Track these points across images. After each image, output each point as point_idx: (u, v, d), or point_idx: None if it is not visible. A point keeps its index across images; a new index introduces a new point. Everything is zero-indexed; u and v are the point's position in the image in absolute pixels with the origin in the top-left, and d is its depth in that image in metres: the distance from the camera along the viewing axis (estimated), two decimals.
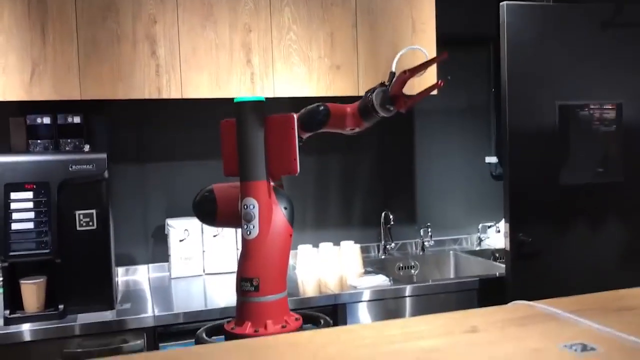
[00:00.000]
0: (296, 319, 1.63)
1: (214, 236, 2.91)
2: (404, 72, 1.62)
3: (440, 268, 3.31)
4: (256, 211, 1.58)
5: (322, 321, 1.70)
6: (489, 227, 3.40)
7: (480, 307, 2.61)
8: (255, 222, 1.58)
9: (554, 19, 2.69)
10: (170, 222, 2.88)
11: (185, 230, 2.88)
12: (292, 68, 2.66)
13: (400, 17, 2.82)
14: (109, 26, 2.41)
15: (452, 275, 3.29)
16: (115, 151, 2.71)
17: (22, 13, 2.32)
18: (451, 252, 3.34)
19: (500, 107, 2.74)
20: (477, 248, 3.40)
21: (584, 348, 1.11)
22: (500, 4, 2.61)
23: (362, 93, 2.76)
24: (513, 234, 2.59)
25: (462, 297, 2.68)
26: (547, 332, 1.23)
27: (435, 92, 2.94)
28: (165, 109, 2.81)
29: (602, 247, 2.74)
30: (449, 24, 3.12)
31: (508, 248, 2.61)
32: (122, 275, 2.87)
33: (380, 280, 2.63)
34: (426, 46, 2.87)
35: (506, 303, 1.42)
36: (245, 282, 1.59)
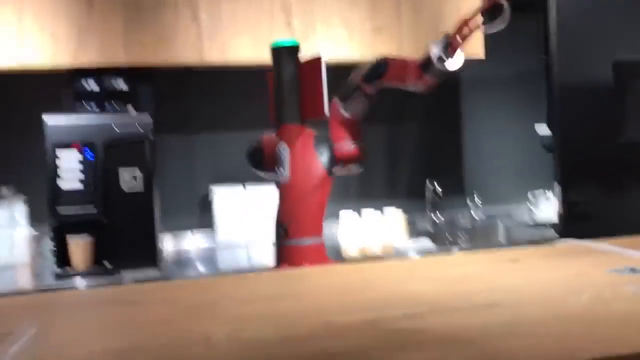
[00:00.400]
0: None
1: (257, 203, 2.92)
2: (464, 19, 1.59)
3: (489, 239, 3.22)
4: (286, 155, 1.57)
5: None
6: (540, 196, 3.28)
7: None
8: (286, 166, 1.57)
9: None
10: (214, 188, 2.90)
11: (230, 196, 2.89)
12: (332, 30, 2.63)
13: None
14: None
15: (503, 245, 3.19)
16: (161, 121, 2.74)
17: None
18: (500, 222, 3.24)
19: (551, 74, 2.64)
20: (528, 219, 3.29)
21: (633, 270, 1.05)
22: None
23: (405, 56, 2.72)
24: (565, 196, 2.48)
25: None
26: (594, 261, 1.17)
27: (482, 56, 2.89)
28: (209, 79, 2.83)
29: None
30: None
31: (560, 210, 2.50)
32: (168, 241, 2.91)
33: (426, 243, 2.58)
34: (472, 9, 2.78)
35: None
36: (278, 227, 1.59)
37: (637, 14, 2.58)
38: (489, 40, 2.89)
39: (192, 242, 2.95)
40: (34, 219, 2.57)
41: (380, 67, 1.67)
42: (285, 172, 1.58)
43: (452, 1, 2.77)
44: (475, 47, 2.82)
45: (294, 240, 1.56)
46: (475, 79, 3.23)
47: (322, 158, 1.63)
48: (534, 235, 2.95)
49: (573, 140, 2.52)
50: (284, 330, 0.78)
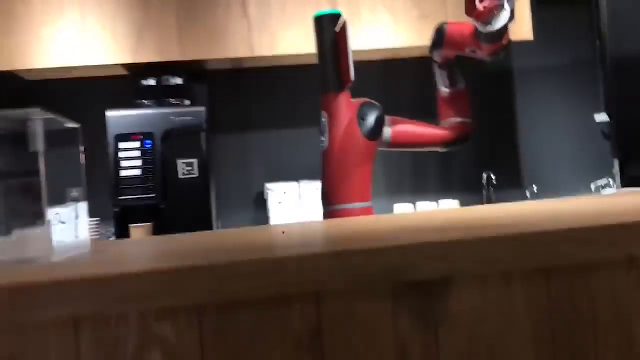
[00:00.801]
0: None
1: (310, 199, 2.95)
2: None
3: None
4: (326, 123, 1.60)
5: None
6: (602, 187, 3.15)
7: None
8: (326, 134, 1.60)
9: None
10: (269, 185, 2.96)
11: (284, 193, 2.94)
12: (378, 17, 2.68)
13: None
14: None
15: None
16: (217, 120, 2.85)
17: None
18: None
19: (605, 59, 2.58)
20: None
21: None
22: None
23: None
24: (626, 185, 2.39)
25: None
26: None
27: (530, 37, 2.85)
28: (262, 78, 2.92)
29: None
30: None
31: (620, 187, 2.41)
32: None
33: None
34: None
35: None
36: (322, 194, 1.62)
37: None
38: (539, 24, 2.87)
39: None
40: (97, 206, 2.72)
41: (439, 34, 1.69)
42: (325, 139, 1.60)
43: None
44: (523, 29, 2.80)
45: (337, 205, 1.57)
46: (528, 67, 3.19)
47: (364, 126, 1.64)
48: None
49: (631, 128, 2.44)
50: None
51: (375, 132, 1.64)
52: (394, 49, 2.65)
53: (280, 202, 2.94)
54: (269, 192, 2.96)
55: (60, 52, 2.51)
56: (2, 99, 2.63)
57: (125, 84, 2.66)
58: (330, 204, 1.61)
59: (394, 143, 1.67)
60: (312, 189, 2.94)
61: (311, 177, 2.94)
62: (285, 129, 3.04)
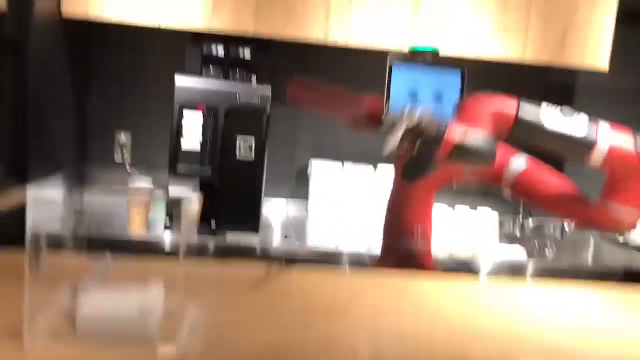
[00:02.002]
0: None
1: (354, 183, 3.00)
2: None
3: (577, 252, 3.18)
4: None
5: None
6: None
7: None
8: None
9: None
10: (314, 162, 3.00)
11: (327, 173, 2.98)
12: (460, 24, 2.62)
13: None
14: None
15: (590, 262, 3.15)
16: (274, 91, 2.83)
17: None
18: (592, 237, 3.19)
19: None
20: (622, 237, 3.21)
21: None
22: None
23: (528, 58, 2.68)
24: None
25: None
26: None
27: (606, 68, 2.80)
28: (326, 55, 2.88)
29: None
30: None
31: None
32: (265, 204, 3.04)
33: (517, 252, 2.58)
34: (603, 20, 2.70)
35: None
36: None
37: None
38: (619, 53, 2.80)
39: (285, 208, 3.09)
40: (152, 171, 2.81)
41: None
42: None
43: (584, 12, 2.69)
44: (599, 57, 2.74)
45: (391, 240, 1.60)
46: (594, 89, 3.14)
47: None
48: (627, 259, 2.90)
49: None
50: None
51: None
52: (473, 58, 2.61)
53: (322, 181, 2.99)
54: (312, 168, 3.00)
55: (134, 7, 2.47)
56: (68, 44, 2.61)
57: (193, 44, 2.63)
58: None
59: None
60: (354, 171, 2.98)
61: (356, 159, 2.99)
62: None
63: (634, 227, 1.31)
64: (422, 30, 2.61)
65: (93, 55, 2.90)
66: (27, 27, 2.22)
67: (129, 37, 2.78)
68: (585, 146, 1.32)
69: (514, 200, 1.43)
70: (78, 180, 2.88)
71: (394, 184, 1.60)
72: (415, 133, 1.26)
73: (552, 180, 1.48)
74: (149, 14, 2.48)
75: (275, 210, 3.08)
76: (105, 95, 2.94)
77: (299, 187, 3.10)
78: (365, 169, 2.98)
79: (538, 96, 1.56)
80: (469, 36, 2.63)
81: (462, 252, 2.61)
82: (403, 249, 1.65)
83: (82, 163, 2.94)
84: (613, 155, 1.31)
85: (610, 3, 2.72)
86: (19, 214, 2.36)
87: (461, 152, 1.26)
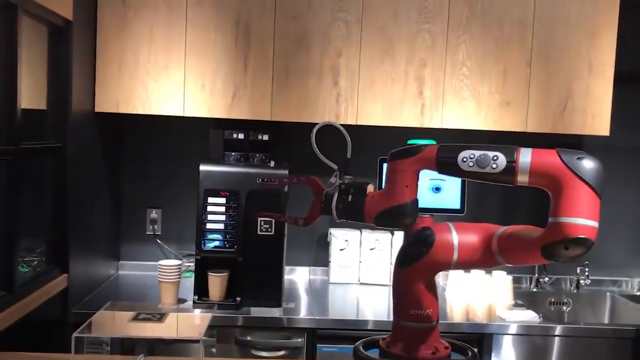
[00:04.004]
0: (445, 347, 1.77)
1: (371, 249, 3.14)
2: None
3: (594, 309, 3.24)
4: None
5: (469, 353, 1.83)
6: None
7: (634, 359, 2.55)
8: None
9: None
10: (333, 231, 3.16)
11: (346, 240, 3.13)
12: (462, 102, 2.79)
13: (577, 57, 2.82)
14: (300, 59, 2.73)
15: (606, 319, 3.20)
16: (292, 167, 3.03)
17: (230, 44, 2.71)
18: (608, 294, 3.25)
19: None
20: (638, 293, 3.27)
21: None
22: None
23: (530, 129, 2.82)
24: None
25: (615, 344, 2.63)
26: None
27: (606, 132, 2.91)
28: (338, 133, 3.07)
29: None
30: (632, 59, 3.06)
31: None
32: (286, 274, 3.20)
33: (530, 317, 2.67)
34: (602, 86, 2.84)
35: None
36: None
37: None
38: (618, 112, 2.93)
39: (306, 277, 3.24)
40: (180, 250, 3.04)
41: None
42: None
43: (581, 80, 2.83)
44: (601, 124, 2.87)
45: (400, 320, 1.71)
46: (596, 147, 3.24)
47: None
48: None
49: None
50: None
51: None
52: (475, 130, 2.77)
53: (341, 249, 3.14)
54: (332, 237, 3.16)
55: (160, 101, 2.71)
56: (102, 134, 2.86)
57: (214, 131, 2.85)
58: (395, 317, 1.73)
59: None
60: (372, 239, 3.13)
61: (372, 227, 3.11)
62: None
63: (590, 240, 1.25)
64: (426, 106, 2.78)
65: (123, 141, 3.15)
66: (64, 120, 2.46)
67: (157, 125, 3.02)
68: (507, 174, 1.40)
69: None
70: (113, 253, 3.12)
71: (394, 270, 1.73)
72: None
73: (476, 241, 1.54)
74: (175, 107, 2.72)
75: (298, 277, 3.23)
76: (136, 176, 3.18)
77: (319, 253, 3.26)
78: (382, 235, 3.13)
79: None
80: (470, 111, 2.80)
81: (477, 314, 2.71)
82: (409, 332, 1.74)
83: (116, 238, 3.16)
84: (536, 167, 1.36)
85: (608, 68, 2.85)
86: (61, 297, 2.54)
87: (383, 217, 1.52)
